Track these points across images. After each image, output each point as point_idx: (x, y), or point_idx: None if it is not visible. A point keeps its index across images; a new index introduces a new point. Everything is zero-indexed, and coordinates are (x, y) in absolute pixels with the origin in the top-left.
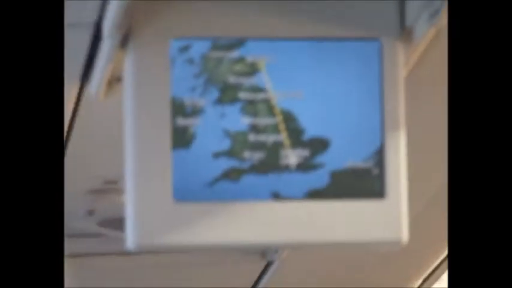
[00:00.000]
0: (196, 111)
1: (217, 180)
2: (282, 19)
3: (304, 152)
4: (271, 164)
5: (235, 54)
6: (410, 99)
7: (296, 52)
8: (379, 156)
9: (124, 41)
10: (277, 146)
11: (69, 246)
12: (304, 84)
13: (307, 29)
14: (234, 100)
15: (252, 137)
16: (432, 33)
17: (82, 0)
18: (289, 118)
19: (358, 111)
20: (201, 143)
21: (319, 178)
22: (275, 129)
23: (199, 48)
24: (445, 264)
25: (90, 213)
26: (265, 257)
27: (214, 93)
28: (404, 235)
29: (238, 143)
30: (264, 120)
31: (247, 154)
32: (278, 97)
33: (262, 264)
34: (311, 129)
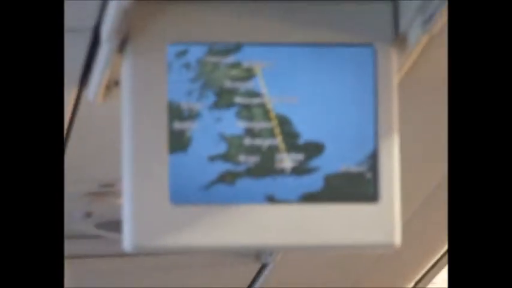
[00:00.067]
0: (192, 115)
1: (213, 183)
2: (277, 25)
3: (299, 156)
4: (266, 167)
5: (231, 59)
6: (404, 104)
7: (292, 57)
8: (373, 161)
9: (122, 46)
10: (273, 150)
11: (67, 247)
12: (299, 89)
13: (303, 35)
14: (230, 104)
15: (247, 141)
16: (425, 39)
17: (81, 5)
18: (284, 122)
19: (352, 116)
20: (198, 146)
21: (313, 182)
22: (270, 133)
23: (195, 53)
24: (437, 267)
25: (88, 215)
26: (260, 259)
27: (211, 98)
28: (397, 238)
29: (234, 147)
30: (259, 125)
31: (242, 158)
32: (274, 102)
33: (257, 266)
34: (306, 133)
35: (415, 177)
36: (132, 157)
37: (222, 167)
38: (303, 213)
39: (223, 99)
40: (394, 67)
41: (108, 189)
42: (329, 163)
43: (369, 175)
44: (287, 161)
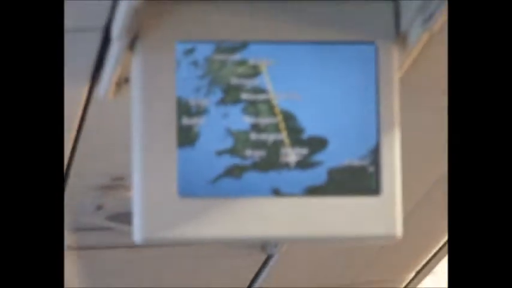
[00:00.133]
0: (200, 111)
1: (220, 177)
2: (282, 24)
3: (303, 151)
4: (271, 161)
5: (238, 56)
6: (405, 100)
7: (296, 55)
8: (375, 155)
9: (132, 44)
10: (278, 144)
11: (79, 239)
12: (303, 85)
13: (307, 33)
14: (236, 101)
15: (253, 136)
16: (426, 37)
17: (92, 5)
18: (289, 118)
19: (355, 111)
20: (205, 141)
21: (317, 175)
22: (276, 128)
23: (203, 51)
24: (437, 258)
25: (99, 208)
26: (266, 250)
27: (218, 94)
28: (399, 230)
29: (240, 142)
30: (265, 120)
31: (248, 152)
32: (279, 98)
33: (263, 257)
34: (310, 128)
35: (416, 171)
36: (142, 152)
37: (229, 161)
38: (307, 206)
39: (230, 95)
40: (396, 64)
41: (119, 183)
42: (332, 157)
43: (371, 169)
44: (292, 155)
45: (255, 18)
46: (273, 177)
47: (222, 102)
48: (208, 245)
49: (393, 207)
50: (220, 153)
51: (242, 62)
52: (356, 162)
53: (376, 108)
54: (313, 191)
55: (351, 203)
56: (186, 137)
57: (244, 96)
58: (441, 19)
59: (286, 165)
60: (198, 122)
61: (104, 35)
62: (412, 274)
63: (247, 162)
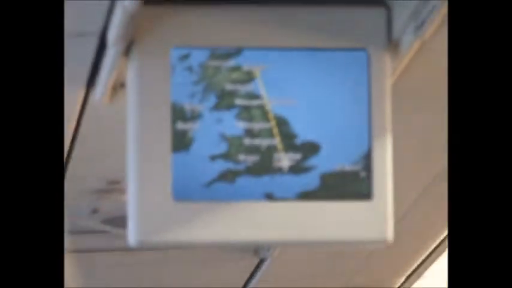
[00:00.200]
0: (195, 116)
1: (214, 181)
2: (276, 30)
3: (296, 156)
4: (265, 166)
5: (232, 62)
6: (397, 106)
7: (290, 61)
8: (367, 160)
9: (127, 50)
10: (271, 149)
11: (74, 242)
12: (296, 91)
13: (301, 40)
14: (230, 106)
15: (247, 141)
16: (417, 44)
17: (89, 11)
18: (282, 123)
19: (347, 117)
20: (199, 146)
21: (310, 180)
22: (269, 133)
23: (198, 56)
24: (427, 262)
25: (95, 211)
26: (258, 254)
27: (212, 100)
28: (390, 234)
29: (234, 147)
30: (258, 125)
31: (242, 157)
32: (272, 103)
33: (255, 261)
34: (303, 134)
35: (408, 176)
36: (137, 156)
37: (222, 165)
38: (299, 210)
39: (224, 101)
40: (388, 71)
41: (114, 187)
42: (325, 162)
43: (363, 174)
44: (285, 160)
45: (250, 25)
46: (266, 182)
47: (216, 107)
48: (202, 248)
49: (384, 212)
50: (214, 157)
51: (236, 68)
52: (348, 167)
53: (368, 114)
54: (305, 195)
55: (343, 207)
56: (181, 142)
57: (238, 101)
58: (433, 26)
59: (279, 170)
60: (193, 127)
61: (100, 40)
62: (403, 278)
63: (241, 167)
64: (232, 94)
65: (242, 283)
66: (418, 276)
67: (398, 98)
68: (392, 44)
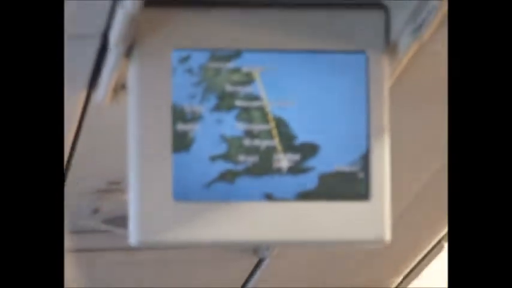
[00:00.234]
0: (195, 118)
1: (214, 181)
2: (276, 33)
3: (295, 157)
4: (264, 167)
5: (232, 64)
6: (395, 107)
7: (289, 63)
8: (365, 161)
9: (129, 51)
10: (270, 150)
11: (75, 242)
12: (295, 93)
13: (300, 42)
14: (230, 107)
15: (246, 142)
16: (415, 46)
17: (90, 13)
18: (281, 125)
19: (346, 118)
20: (200, 147)
21: (308, 181)
22: (268, 134)
23: (198, 58)
24: (424, 262)
25: (96, 211)
26: (258, 254)
27: (212, 101)
28: (387, 234)
29: (234, 147)
30: (258, 127)
31: (242, 158)
32: (271, 105)
33: (255, 260)
34: (302, 135)
35: (405, 176)
36: (138, 156)
37: (222, 166)
38: (298, 210)
39: (224, 102)
40: (386, 73)
41: (115, 187)
42: (323, 163)
43: (361, 175)
44: (284, 161)
45: (249, 27)
46: (265, 182)
47: (217, 108)
48: (202, 248)
49: (382, 212)
50: (214, 158)
51: (236, 70)
52: (346, 168)
53: (367, 115)
54: (304, 195)
55: (341, 207)
56: (181, 143)
57: (238, 103)
58: (430, 29)
59: (279, 171)
60: (193, 128)
61: (102, 41)
62: (400, 278)
63: (241, 168)
64: (232, 95)
65: (241, 282)
66: (415, 276)
67: (397, 100)
68: (390, 46)
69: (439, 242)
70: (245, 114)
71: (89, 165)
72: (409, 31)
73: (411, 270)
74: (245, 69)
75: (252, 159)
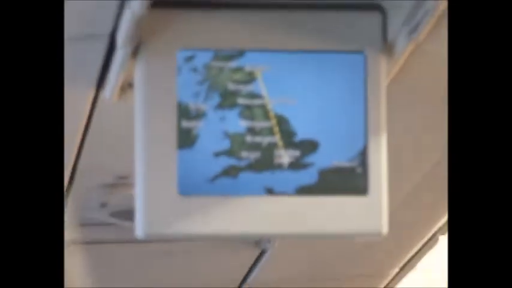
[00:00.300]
0: (199, 115)
1: (217, 176)
2: (277, 33)
3: (296, 153)
4: (266, 162)
5: (235, 64)
6: (392, 105)
7: (289, 63)
8: (363, 157)
9: (135, 51)
10: (272, 146)
11: (83, 234)
12: (296, 91)
13: (301, 42)
14: (233, 105)
15: (249, 139)
16: (411, 47)
17: (98, 14)
18: (282, 122)
19: (345, 116)
20: (204, 143)
21: (308, 176)
22: (270, 131)
23: (202, 58)
24: (420, 254)
25: (103, 205)
26: (259, 246)
27: (216, 99)
28: (384, 227)
29: (236, 144)
30: (260, 124)
31: (244, 154)
32: (273, 103)
33: (257, 252)
34: (302, 132)
35: (401, 171)
36: (144, 152)
37: (226, 161)
38: (298, 204)
39: (227, 100)
40: (383, 72)
41: (123, 181)
42: (323, 159)
43: (359, 170)
44: (285, 156)
45: (252, 28)
46: (266, 177)
47: (220, 106)
48: (205, 240)
49: (379, 206)
50: (217, 154)
51: (239, 69)
52: (345, 163)
53: (365, 113)
54: (304, 190)
55: (340, 201)
56: (186, 139)
57: (241, 101)
58: (426, 30)
59: (279, 166)
60: (197, 125)
61: (110, 42)
62: (396, 269)
63: (243, 163)
64: (235, 94)
65: (244, 273)
66: (411, 268)
67: (393, 98)
68: (387, 46)
69: (434, 235)
70: (247, 111)
71: (98, 161)
72: (405, 32)
73: (407, 262)
74: (247, 68)
75: (254, 155)
